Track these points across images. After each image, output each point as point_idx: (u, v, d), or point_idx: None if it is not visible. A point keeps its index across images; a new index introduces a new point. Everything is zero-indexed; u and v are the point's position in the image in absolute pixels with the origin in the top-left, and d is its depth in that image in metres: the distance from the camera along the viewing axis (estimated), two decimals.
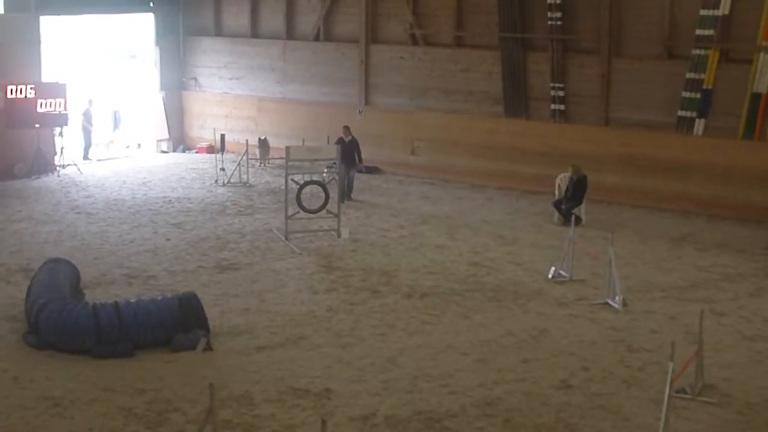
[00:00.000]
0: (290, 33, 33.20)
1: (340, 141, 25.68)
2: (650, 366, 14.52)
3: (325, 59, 32.22)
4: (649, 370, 14.38)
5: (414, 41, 30.65)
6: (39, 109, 28.48)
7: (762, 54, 24.99)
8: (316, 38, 32.58)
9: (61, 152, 29.65)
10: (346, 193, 25.55)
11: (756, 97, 25.11)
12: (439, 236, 22.43)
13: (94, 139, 32.15)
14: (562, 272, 19.04)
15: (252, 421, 12.49)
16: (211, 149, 32.47)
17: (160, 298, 15.83)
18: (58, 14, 30.74)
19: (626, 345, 15.49)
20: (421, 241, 22.01)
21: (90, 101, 31.85)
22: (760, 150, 24.89)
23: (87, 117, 31.62)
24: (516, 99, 28.56)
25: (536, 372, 14.29)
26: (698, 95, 25.91)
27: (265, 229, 22.74)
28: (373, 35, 31.43)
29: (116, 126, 33.30)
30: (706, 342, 14.18)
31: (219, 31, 34.88)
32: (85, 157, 31.78)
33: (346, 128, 26.51)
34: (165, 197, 26.05)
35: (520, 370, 14.35)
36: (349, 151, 25.43)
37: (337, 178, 22.79)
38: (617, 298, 17.26)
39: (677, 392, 12.93)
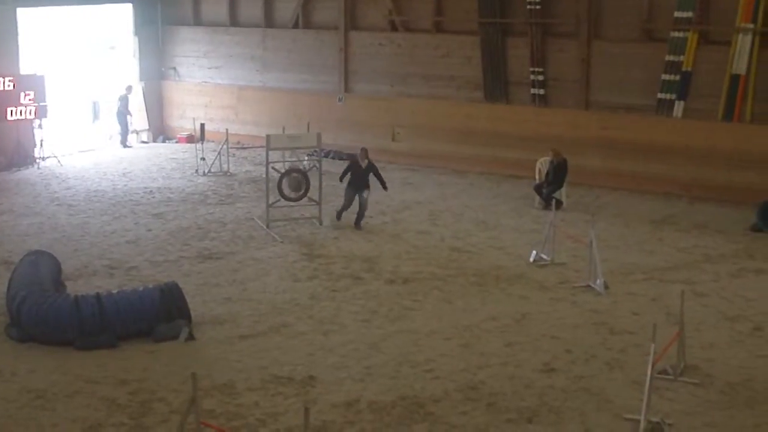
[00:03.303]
0: (269, 21, 33.10)
1: (354, 166, 22.20)
2: (632, 348, 14.57)
3: (305, 47, 32.16)
4: (632, 351, 14.43)
5: (393, 27, 30.61)
6: (20, 101, 28.35)
7: (740, 35, 25.04)
8: (295, 26, 32.50)
9: (41, 144, 29.53)
10: (356, 217, 21.98)
11: (735, 79, 25.17)
12: (420, 222, 22.45)
13: (131, 126, 32.82)
14: (543, 256, 19.09)
15: (235, 410, 12.50)
16: (191, 139, 32.36)
17: (141, 288, 15.81)
18: (35, 6, 30.57)
19: (608, 327, 15.55)
20: (403, 227, 22.02)
21: (129, 88, 32.48)
22: (740, 131, 24.97)
23: (123, 103, 31.87)
24: (496, 84, 28.55)
25: (519, 355, 14.33)
26: (677, 77, 25.96)
27: (246, 217, 22.71)
28: (352, 22, 31.37)
29: (95, 117, 33.18)
30: (688, 323, 14.25)
31: (198, 21, 34.75)
32: (124, 144, 32.37)
33: (364, 151, 22.32)
34: (146, 188, 25.98)
35: (503, 354, 14.38)
36: (363, 178, 21.99)
37: (317, 166, 22.64)
38: (599, 280, 17.30)
39: (659, 373, 13.00)
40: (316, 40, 31.96)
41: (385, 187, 22.24)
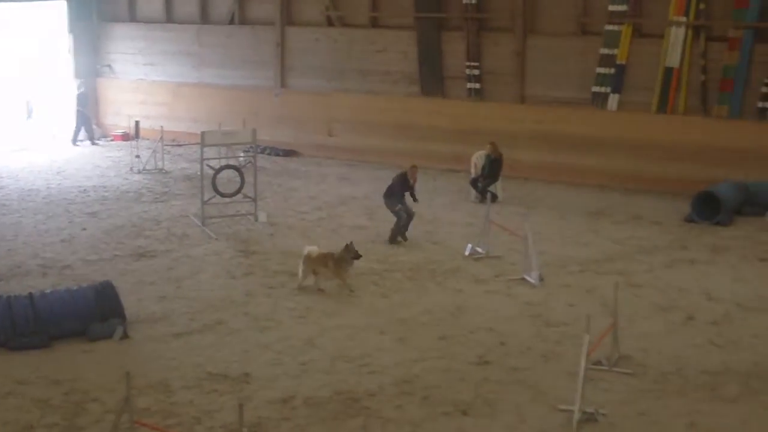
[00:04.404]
0: (205, 17, 32.98)
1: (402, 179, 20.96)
2: (567, 339, 14.66)
3: (241, 43, 32.06)
4: (566, 343, 14.51)
5: (330, 22, 30.60)
6: None
7: (673, 28, 25.29)
8: (231, 21, 32.40)
9: None
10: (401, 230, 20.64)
11: (668, 71, 25.44)
12: (357, 217, 22.46)
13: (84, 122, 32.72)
14: (478, 249, 19.15)
15: (170, 408, 12.41)
16: (126, 137, 32.11)
17: (75, 288, 15.65)
18: None
19: (543, 319, 15.64)
20: (339, 222, 22.02)
21: (80, 84, 32.63)
22: (674, 123, 25.24)
23: (81, 100, 31.75)
24: (432, 78, 28.63)
25: (454, 349, 14.37)
26: (612, 70, 26.18)
27: (181, 215, 22.56)
28: (288, 17, 31.31)
29: (29, 116, 32.89)
30: (622, 314, 14.36)
31: (133, 17, 34.53)
32: (75, 141, 32.21)
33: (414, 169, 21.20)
34: (80, 186, 25.73)
35: (439, 348, 14.41)
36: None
37: (253, 162, 22.51)
38: (534, 273, 17.39)
39: (594, 364, 13.08)
40: (252, 35, 31.86)
41: (415, 199, 21.11)
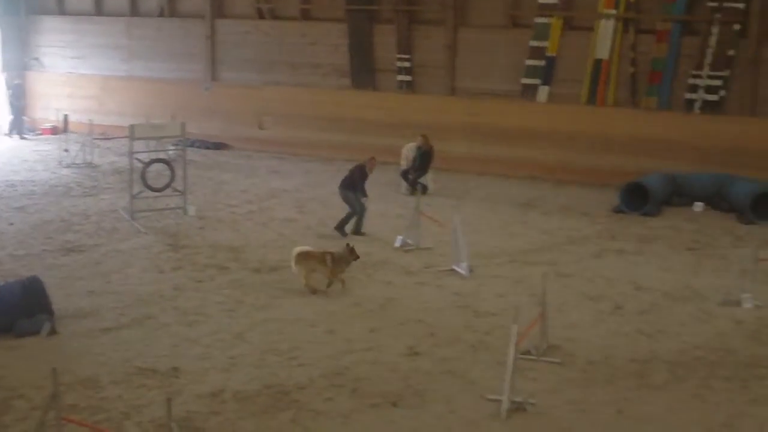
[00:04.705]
0: (134, 10, 32.77)
1: (362, 170, 20.82)
2: (496, 329, 14.70)
3: (171, 35, 31.89)
4: (496, 333, 14.55)
5: (260, 15, 30.52)
6: None
7: (603, 21, 25.52)
8: (161, 14, 32.19)
9: None
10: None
11: (598, 64, 25.69)
12: (288, 210, 22.41)
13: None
14: (409, 241, 19.19)
15: (98, 404, 12.27)
16: (54, 130, 31.80)
17: (2, 283, 15.48)
18: None
19: (473, 310, 15.69)
20: (269, 215, 21.95)
21: (15, 76, 32.55)
22: (603, 115, 25.49)
23: (14, 92, 31.45)
24: (363, 71, 28.64)
25: (384, 340, 14.36)
26: (542, 63, 26.36)
27: (110, 209, 22.38)
28: (218, 10, 31.20)
29: None
30: (551, 304, 14.43)
31: (62, 10, 34.22)
32: (20, 134, 31.98)
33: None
34: (7, 180, 25.43)
35: (368, 339, 14.40)
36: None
37: (182, 155, 22.36)
38: (463, 264, 17.45)
39: (523, 354, 13.12)
40: (182, 28, 31.70)
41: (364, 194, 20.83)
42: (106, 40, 33.31)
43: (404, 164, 24.40)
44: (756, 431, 11.50)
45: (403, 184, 24.08)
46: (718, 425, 11.59)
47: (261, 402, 12.28)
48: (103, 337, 14.63)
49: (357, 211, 20.32)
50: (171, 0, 31.97)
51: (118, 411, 12.08)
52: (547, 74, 26.37)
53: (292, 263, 16.61)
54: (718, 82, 24.85)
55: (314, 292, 16.48)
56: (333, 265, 16.54)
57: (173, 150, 25.24)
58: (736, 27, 24.70)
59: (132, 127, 21.41)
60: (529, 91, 26.59)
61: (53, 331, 14.70)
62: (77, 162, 27.46)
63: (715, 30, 24.81)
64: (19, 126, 32.19)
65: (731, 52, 24.77)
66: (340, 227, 20.26)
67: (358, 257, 16.90)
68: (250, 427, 11.49)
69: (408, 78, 28.16)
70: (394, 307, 15.84)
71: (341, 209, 22.05)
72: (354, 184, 20.46)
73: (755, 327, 15.10)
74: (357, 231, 20.29)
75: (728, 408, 12.08)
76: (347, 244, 16.96)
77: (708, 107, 24.90)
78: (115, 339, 14.54)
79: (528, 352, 13.50)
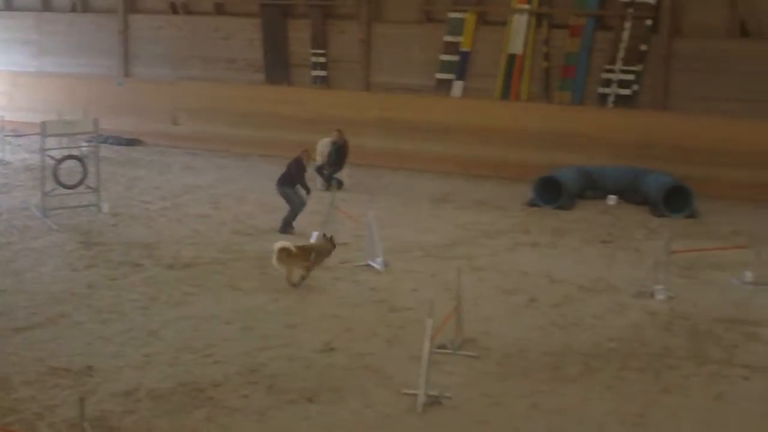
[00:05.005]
0: (46, 4, 32.40)
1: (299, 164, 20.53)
2: (411, 324, 14.71)
3: (83, 30, 31.57)
4: (411, 328, 14.57)
5: (174, 10, 30.32)
6: None
7: (516, 16, 25.71)
8: (73, 9, 31.82)
9: None
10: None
11: (512, 58, 25.88)
12: (202, 206, 22.28)
13: None
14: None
15: (10, 405, 12.09)
16: None
17: None
18: None
19: (388, 305, 15.71)
20: (183, 211, 21.81)
21: None
22: (517, 109, 25.70)
23: None
24: (277, 66, 28.57)
25: (300, 336, 14.33)
26: (456, 58, 26.49)
27: (22, 206, 22.03)
28: (131, 5, 30.94)
29: None
30: (466, 297, 14.47)
31: None
32: None
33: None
34: None
35: (285, 336, 14.36)
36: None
37: (95, 152, 22.11)
38: (379, 259, 17.48)
39: (438, 348, 13.16)
40: (94, 23, 31.40)
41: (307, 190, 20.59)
42: (16, 35, 32.85)
43: (319, 159, 24.35)
44: (668, 420, 11.66)
45: (319, 180, 24.04)
46: (632, 415, 11.73)
47: (176, 400, 12.18)
48: (15, 337, 14.39)
49: (296, 207, 20.20)
50: None
51: (30, 412, 11.90)
52: (461, 69, 26.51)
53: (274, 258, 16.46)
54: (630, 77, 25.19)
55: (296, 286, 16.42)
56: (316, 259, 16.48)
57: (86, 146, 24.94)
58: (648, 22, 25.06)
59: (44, 123, 21.13)
60: (444, 86, 26.72)
61: None
62: None
63: (627, 25, 25.15)
64: None
65: (643, 47, 25.12)
66: (284, 228, 20.12)
67: (335, 246, 16.88)
68: (164, 425, 11.39)
69: (323, 73, 28.15)
70: (311, 303, 15.82)
71: (255, 205, 22.05)
72: (292, 180, 20.30)
73: (668, 318, 15.32)
74: (288, 227, 20.16)
75: (641, 398, 12.24)
76: (324, 234, 16.95)
77: (621, 101, 25.22)
78: (28, 338, 14.32)
79: (443, 346, 13.53)
